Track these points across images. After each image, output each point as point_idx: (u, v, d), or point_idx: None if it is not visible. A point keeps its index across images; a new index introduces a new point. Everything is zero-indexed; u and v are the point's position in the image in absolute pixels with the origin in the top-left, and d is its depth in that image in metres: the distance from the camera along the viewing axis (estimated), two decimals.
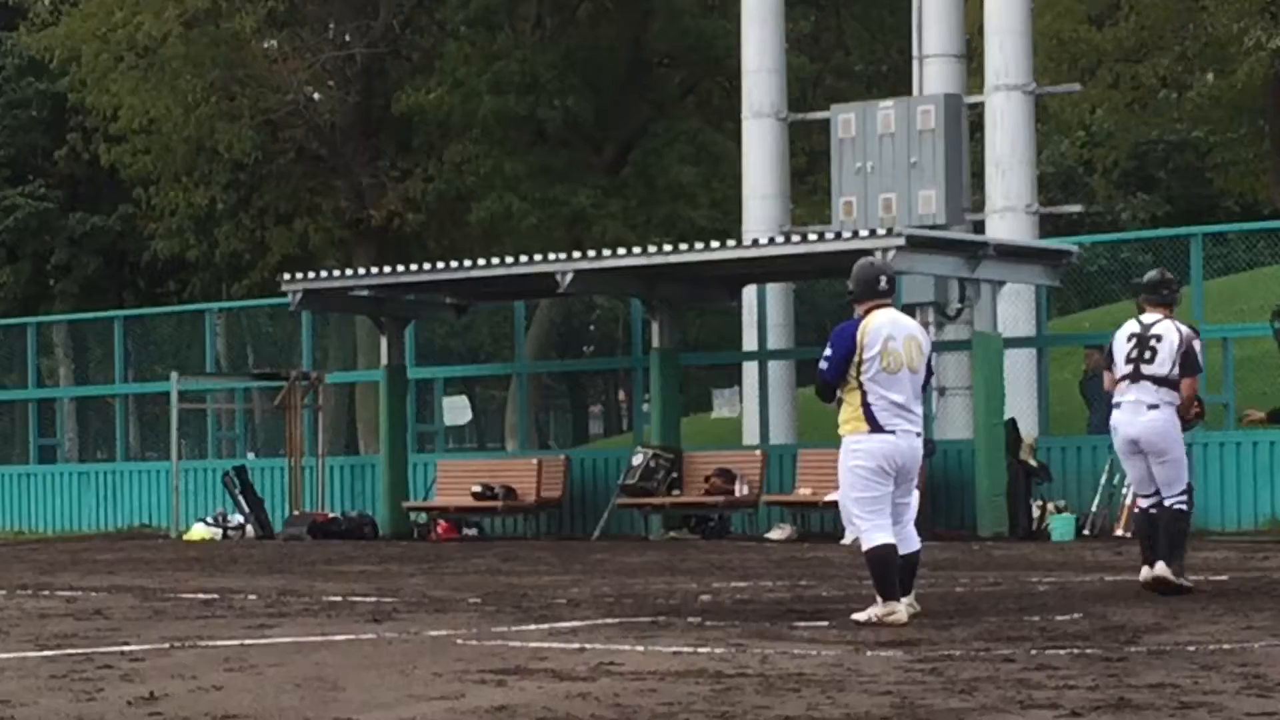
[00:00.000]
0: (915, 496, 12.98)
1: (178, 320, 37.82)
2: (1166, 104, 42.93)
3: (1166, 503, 14.27)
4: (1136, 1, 38.84)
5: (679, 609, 13.76)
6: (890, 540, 12.44)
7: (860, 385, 12.51)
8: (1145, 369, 14.29)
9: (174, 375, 30.99)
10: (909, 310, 13.65)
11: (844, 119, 28.17)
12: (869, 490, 12.49)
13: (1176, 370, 14.25)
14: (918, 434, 12.70)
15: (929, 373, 12.91)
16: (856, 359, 12.49)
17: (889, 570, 12.43)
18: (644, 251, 26.19)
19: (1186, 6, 38.25)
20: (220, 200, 39.82)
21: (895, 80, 37.54)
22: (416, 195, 38.14)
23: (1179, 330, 14.38)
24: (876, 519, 12.48)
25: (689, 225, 37.94)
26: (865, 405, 12.49)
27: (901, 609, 12.34)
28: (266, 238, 39.78)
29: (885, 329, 12.57)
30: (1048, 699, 8.57)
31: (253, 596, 15.92)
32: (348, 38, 39.63)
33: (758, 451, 27.04)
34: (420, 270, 27.44)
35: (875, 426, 12.48)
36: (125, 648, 11.46)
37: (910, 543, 12.70)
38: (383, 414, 29.30)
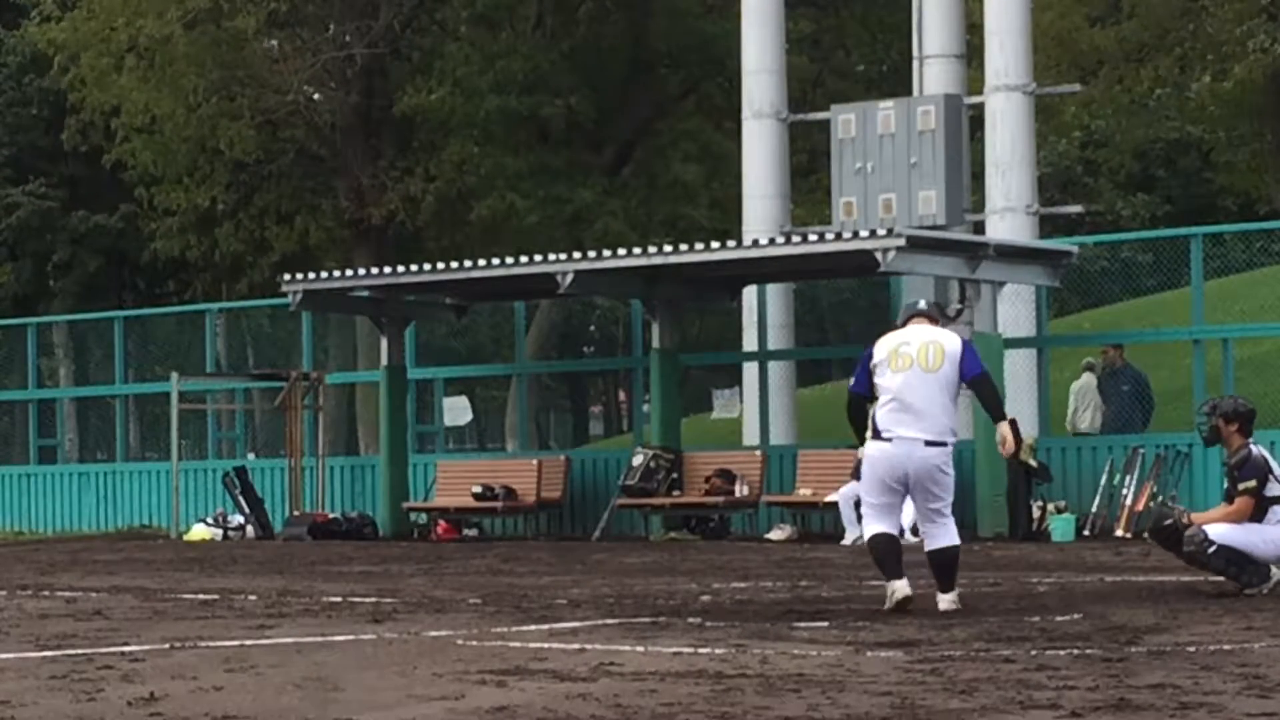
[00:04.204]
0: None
1: (178, 320, 37.77)
2: (1167, 104, 42.93)
3: None
4: (1138, 1, 38.87)
5: (679, 609, 13.76)
6: (883, 530, 13.15)
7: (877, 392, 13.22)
8: None
9: (174, 376, 30.98)
10: None
11: (844, 119, 28.16)
12: (871, 496, 13.34)
13: None
14: (927, 441, 12.86)
15: (979, 374, 13.17)
16: (871, 365, 13.19)
17: (882, 555, 13.16)
18: (644, 252, 26.17)
19: (1188, 7, 38.27)
20: (221, 200, 39.81)
21: (895, 80, 37.53)
22: (418, 194, 38.14)
23: None
24: (873, 514, 13.30)
25: (691, 224, 37.92)
26: (875, 412, 13.13)
27: (899, 585, 12.97)
28: (267, 236, 39.77)
29: (901, 337, 13.23)
30: (1048, 699, 8.56)
31: (253, 597, 15.91)
32: (348, 38, 39.59)
33: (758, 452, 27.03)
34: (420, 271, 27.42)
35: (875, 432, 13.10)
36: (125, 648, 11.45)
37: (937, 539, 13.17)
38: (383, 414, 29.29)
